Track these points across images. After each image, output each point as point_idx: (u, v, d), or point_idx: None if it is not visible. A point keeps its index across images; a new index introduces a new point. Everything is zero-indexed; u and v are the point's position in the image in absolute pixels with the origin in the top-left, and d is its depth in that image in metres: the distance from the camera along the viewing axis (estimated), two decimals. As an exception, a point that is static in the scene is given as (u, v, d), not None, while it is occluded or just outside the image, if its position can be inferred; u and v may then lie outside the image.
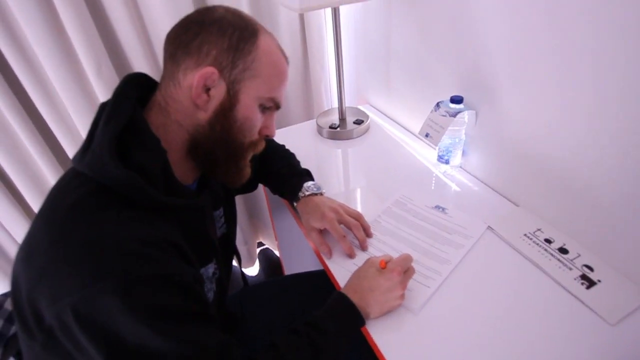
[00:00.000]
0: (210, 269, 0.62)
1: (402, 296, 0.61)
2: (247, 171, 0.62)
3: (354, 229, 0.73)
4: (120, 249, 0.43)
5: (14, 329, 0.65)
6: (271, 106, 0.59)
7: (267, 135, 0.62)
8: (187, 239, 0.53)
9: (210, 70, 0.51)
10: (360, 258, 0.72)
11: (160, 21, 1.04)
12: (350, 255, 0.72)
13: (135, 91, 0.55)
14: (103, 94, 1.05)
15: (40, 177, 1.15)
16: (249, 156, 0.61)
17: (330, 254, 0.73)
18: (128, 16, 1.00)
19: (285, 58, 0.60)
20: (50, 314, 0.42)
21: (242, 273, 0.90)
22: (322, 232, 0.76)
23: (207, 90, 0.53)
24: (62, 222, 0.45)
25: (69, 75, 1.01)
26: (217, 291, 0.65)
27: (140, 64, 1.08)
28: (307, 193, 0.79)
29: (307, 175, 0.86)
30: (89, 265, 0.41)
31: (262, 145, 0.63)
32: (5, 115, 1.01)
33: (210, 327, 0.49)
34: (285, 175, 0.85)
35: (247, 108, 0.55)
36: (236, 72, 0.53)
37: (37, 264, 0.44)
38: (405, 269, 0.62)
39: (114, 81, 1.04)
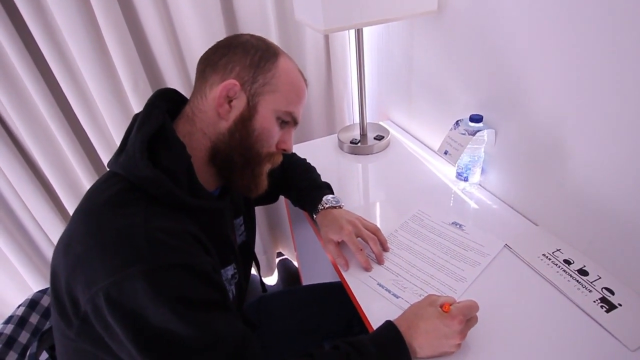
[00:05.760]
0: (230, 271, 0.65)
1: (459, 345, 0.57)
2: (263, 182, 0.65)
3: (371, 243, 0.75)
4: (147, 238, 0.46)
5: (48, 324, 0.70)
6: (289, 121, 0.63)
7: (284, 150, 0.65)
8: (208, 239, 0.56)
9: (232, 82, 0.57)
10: (377, 271, 0.74)
11: (193, 42, 1.11)
12: (367, 269, 0.74)
13: (165, 103, 0.61)
14: (138, 107, 1.12)
15: (77, 182, 1.22)
16: (266, 167, 0.65)
17: (347, 266, 0.75)
18: (164, 37, 1.08)
19: (304, 79, 0.65)
20: (85, 299, 0.46)
21: (261, 280, 0.93)
22: (340, 244, 0.77)
23: (230, 101, 0.59)
24: (97, 214, 0.50)
25: (109, 89, 1.08)
26: (235, 295, 0.68)
27: (173, 81, 1.15)
28: (326, 206, 0.81)
29: (327, 189, 0.88)
30: (119, 252, 0.46)
31: (279, 159, 0.66)
32: (50, 126, 1.10)
33: (231, 317, 0.52)
34: (305, 188, 0.88)
35: (265, 119, 0.60)
36: (256, 86, 0.59)
37: (74, 253, 0.48)
38: (468, 318, 0.57)
39: (149, 96, 1.11)
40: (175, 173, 0.54)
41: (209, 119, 0.59)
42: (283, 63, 0.61)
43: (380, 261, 0.75)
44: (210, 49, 0.62)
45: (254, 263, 0.85)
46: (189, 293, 0.47)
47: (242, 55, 0.59)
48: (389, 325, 0.59)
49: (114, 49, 1.03)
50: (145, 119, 0.56)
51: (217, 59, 0.60)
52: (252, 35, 0.62)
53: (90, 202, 0.52)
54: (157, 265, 0.45)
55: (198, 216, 0.56)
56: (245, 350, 0.50)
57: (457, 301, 0.60)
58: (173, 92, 0.65)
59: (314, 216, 0.83)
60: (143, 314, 0.45)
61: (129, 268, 0.44)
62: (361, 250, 0.73)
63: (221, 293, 0.52)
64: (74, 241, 0.49)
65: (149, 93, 1.12)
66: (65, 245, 0.50)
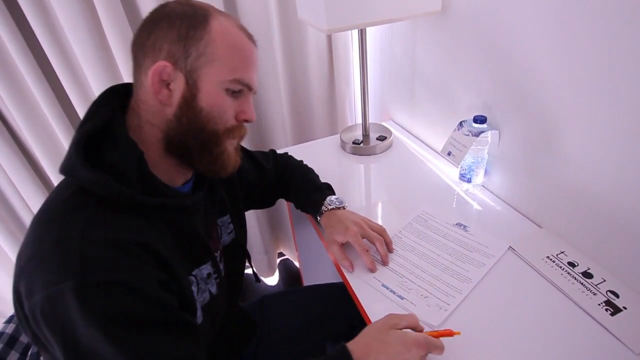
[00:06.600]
0: (205, 270, 0.62)
1: None
2: (229, 160, 0.60)
3: (377, 244, 0.74)
4: (81, 253, 0.43)
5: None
6: (241, 89, 0.57)
7: (245, 120, 0.59)
8: (176, 239, 0.54)
9: (161, 64, 0.51)
10: (381, 272, 0.73)
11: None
12: (372, 270, 0.73)
13: (116, 99, 0.56)
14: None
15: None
16: (228, 144, 0.59)
17: (351, 267, 0.74)
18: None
19: (249, 37, 0.57)
20: (27, 309, 0.44)
21: (254, 271, 0.91)
22: (344, 245, 0.77)
23: (167, 84, 0.53)
24: (41, 223, 0.48)
25: (109, 83, 1.07)
26: (218, 294, 0.65)
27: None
28: (330, 207, 0.80)
29: (328, 189, 0.87)
30: (55, 264, 0.43)
31: (242, 131, 0.60)
32: (51, 124, 1.10)
33: (175, 337, 0.48)
34: (307, 190, 0.86)
35: (211, 95, 0.54)
36: (191, 60, 0.52)
37: (19, 262, 0.46)
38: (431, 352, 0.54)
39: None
40: (124, 171, 0.50)
41: (152, 108, 0.54)
42: (217, 25, 0.53)
43: (385, 262, 0.74)
44: (137, 29, 0.55)
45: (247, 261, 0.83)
46: (123, 311, 0.44)
47: (168, 30, 0.51)
48: (342, 350, 0.54)
49: (116, 48, 1.02)
50: (86, 117, 0.53)
51: (143, 40, 0.53)
52: (177, 2, 0.54)
53: (43, 208, 0.50)
54: (87, 282, 0.42)
55: (160, 215, 0.53)
56: None
57: (419, 323, 0.57)
58: (129, 86, 0.59)
59: (318, 219, 0.82)
60: (73, 331, 0.42)
61: (61, 284, 0.42)
62: (367, 251, 0.73)
63: (165, 312, 0.48)
64: (21, 251, 0.47)
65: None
66: (17, 254, 0.48)
